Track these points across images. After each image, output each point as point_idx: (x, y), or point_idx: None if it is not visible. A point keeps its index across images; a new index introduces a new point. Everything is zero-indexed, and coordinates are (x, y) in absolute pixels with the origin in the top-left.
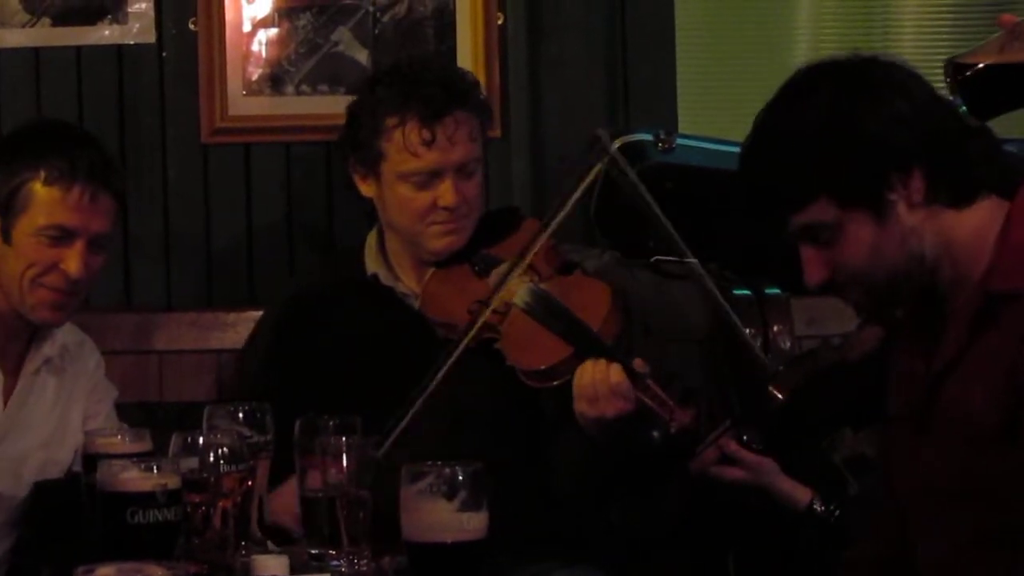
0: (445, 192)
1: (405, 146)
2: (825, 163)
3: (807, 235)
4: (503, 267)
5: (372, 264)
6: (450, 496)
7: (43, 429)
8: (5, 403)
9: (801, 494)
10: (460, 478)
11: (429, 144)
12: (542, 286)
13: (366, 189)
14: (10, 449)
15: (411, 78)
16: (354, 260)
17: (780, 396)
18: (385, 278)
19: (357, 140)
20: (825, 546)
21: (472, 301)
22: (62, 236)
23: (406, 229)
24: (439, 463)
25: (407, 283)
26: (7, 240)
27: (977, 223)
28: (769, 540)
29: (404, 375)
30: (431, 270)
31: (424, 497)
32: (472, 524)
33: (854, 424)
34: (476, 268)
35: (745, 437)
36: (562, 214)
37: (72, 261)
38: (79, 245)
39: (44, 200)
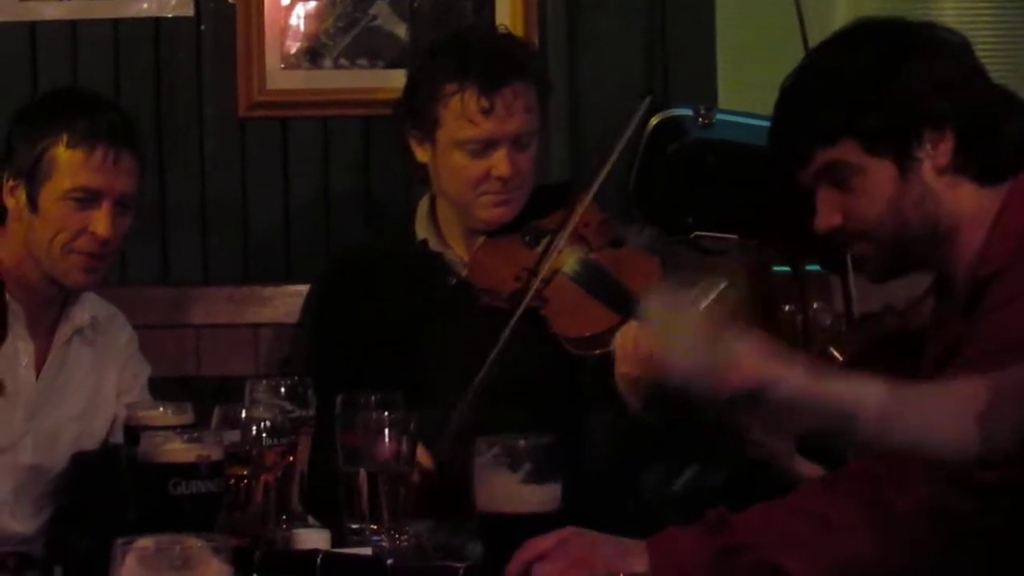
0: (499, 162)
1: (463, 113)
2: (862, 104)
3: (828, 175)
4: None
5: (422, 230)
6: (514, 468)
7: (77, 401)
8: (37, 374)
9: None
10: (524, 451)
11: (487, 113)
12: (592, 255)
13: (421, 154)
14: (44, 421)
15: (473, 46)
16: (402, 226)
17: (840, 357)
18: (434, 244)
19: (414, 105)
20: None
21: (520, 270)
22: (88, 198)
23: (458, 197)
24: (510, 435)
25: (456, 250)
26: (34, 209)
27: (992, 204)
28: None
29: (446, 342)
30: (481, 239)
31: (490, 468)
32: (536, 497)
33: None
34: (526, 239)
35: None
36: (607, 167)
37: (100, 223)
38: (106, 206)
39: (68, 163)
